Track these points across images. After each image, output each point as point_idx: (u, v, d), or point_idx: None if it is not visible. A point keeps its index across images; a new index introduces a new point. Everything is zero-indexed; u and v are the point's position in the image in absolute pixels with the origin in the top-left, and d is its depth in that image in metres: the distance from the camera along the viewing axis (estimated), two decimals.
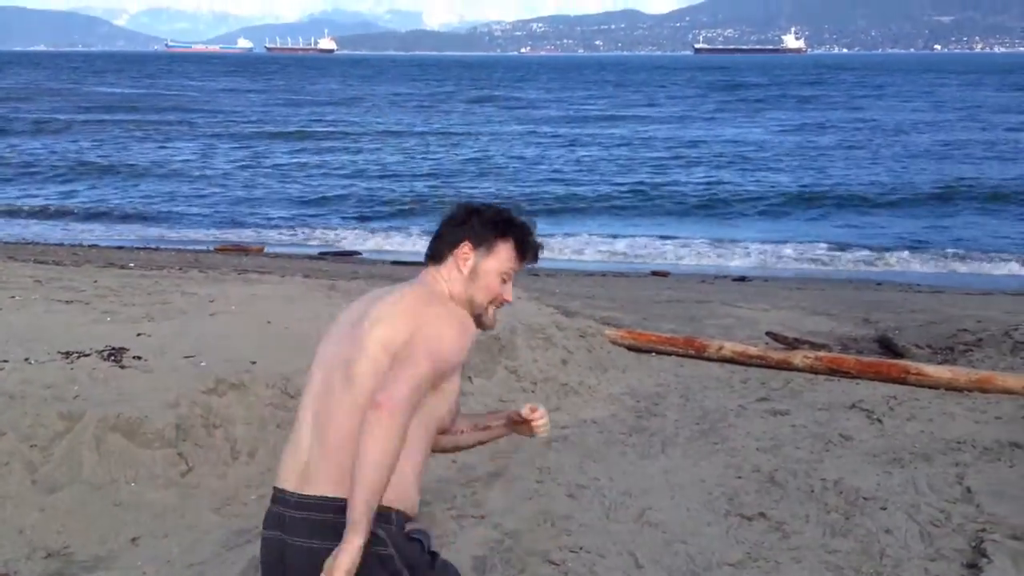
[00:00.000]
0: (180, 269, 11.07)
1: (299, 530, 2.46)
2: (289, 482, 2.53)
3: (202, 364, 5.48)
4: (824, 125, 41.37)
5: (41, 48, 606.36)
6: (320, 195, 23.83)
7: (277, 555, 2.51)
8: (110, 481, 4.40)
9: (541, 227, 2.97)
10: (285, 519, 2.49)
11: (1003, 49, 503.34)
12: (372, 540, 2.34)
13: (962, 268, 15.82)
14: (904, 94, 64.65)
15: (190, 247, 16.78)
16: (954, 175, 25.32)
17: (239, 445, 4.86)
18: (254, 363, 5.53)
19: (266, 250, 16.59)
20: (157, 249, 15.91)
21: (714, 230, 19.37)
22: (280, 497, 2.53)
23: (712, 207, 22.19)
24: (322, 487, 2.46)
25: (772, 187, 24.41)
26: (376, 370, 2.49)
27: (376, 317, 2.58)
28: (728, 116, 48.93)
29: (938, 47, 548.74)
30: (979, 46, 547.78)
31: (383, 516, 2.42)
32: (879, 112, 48.43)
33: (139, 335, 6.18)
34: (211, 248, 16.48)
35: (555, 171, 28.17)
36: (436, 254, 2.75)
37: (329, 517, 2.42)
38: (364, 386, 2.49)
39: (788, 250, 17.02)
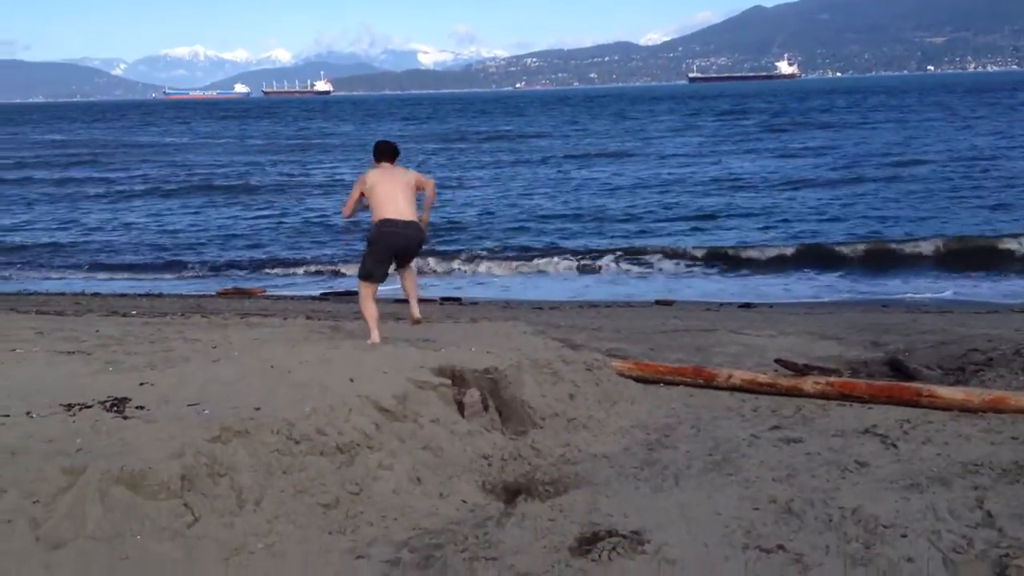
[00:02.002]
0: (183, 315, 11.03)
1: (406, 230, 8.16)
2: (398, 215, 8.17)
3: (206, 412, 5.40)
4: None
5: (40, 99, 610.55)
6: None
7: (398, 236, 8.16)
8: (115, 535, 4.31)
9: None
10: (391, 226, 8.12)
11: (996, 68, 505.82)
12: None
13: None
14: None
15: (192, 292, 16.76)
16: None
17: (245, 493, 4.77)
18: (258, 409, 5.45)
19: (267, 292, 16.57)
20: (160, 296, 15.88)
21: None
22: (388, 219, 8.12)
23: None
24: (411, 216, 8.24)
25: None
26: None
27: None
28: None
29: (931, 68, 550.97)
30: (972, 66, 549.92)
31: None
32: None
33: (142, 384, 6.11)
34: (213, 292, 16.45)
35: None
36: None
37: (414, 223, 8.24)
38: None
39: None
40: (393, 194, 8.12)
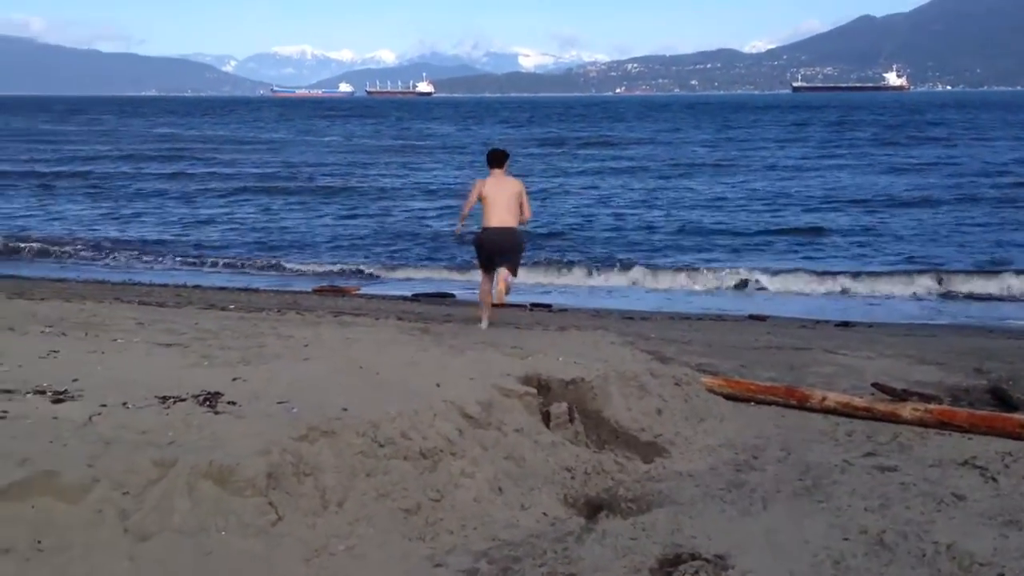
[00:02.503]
0: (278, 311, 11.22)
1: (505, 235, 9.88)
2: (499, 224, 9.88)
3: (294, 410, 5.47)
4: None
5: (153, 93, 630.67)
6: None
7: (496, 242, 9.86)
8: (200, 529, 4.38)
9: None
10: (494, 233, 9.86)
11: None
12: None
13: None
14: None
15: (289, 288, 17.08)
16: None
17: (328, 494, 4.81)
18: (345, 410, 5.50)
19: (361, 290, 16.77)
20: (257, 291, 16.20)
21: None
22: (492, 227, 9.86)
23: None
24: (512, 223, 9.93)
25: None
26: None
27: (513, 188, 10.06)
28: None
29: None
30: None
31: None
32: None
33: (234, 379, 6.23)
34: (309, 289, 16.73)
35: None
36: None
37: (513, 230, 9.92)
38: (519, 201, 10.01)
39: None
40: (497, 204, 9.94)
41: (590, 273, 19.22)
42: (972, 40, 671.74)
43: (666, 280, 18.58)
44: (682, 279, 18.53)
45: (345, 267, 20.31)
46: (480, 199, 9.98)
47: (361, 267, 20.33)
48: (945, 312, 15.68)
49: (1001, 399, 8.00)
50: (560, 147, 59.90)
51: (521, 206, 10.00)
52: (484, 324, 10.01)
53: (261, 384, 6.13)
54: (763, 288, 17.72)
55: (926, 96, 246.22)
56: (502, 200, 9.90)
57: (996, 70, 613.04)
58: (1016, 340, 11.87)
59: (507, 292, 9.98)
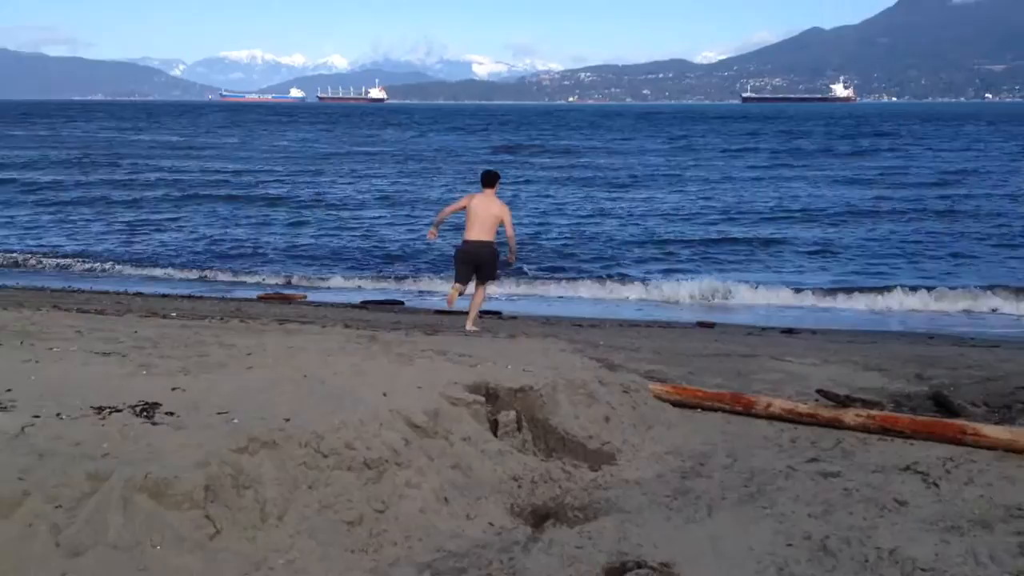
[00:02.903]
0: (221, 319, 11.05)
1: (481, 248, 11.27)
2: (475, 238, 11.30)
3: (235, 421, 5.37)
4: None
5: (99, 97, 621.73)
6: None
7: (473, 254, 11.27)
8: (135, 544, 4.27)
9: None
10: (472, 245, 11.27)
11: None
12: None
13: None
14: None
15: (233, 295, 16.86)
16: None
17: (269, 507, 4.72)
18: (288, 420, 5.41)
19: (308, 298, 16.61)
20: (200, 298, 15.97)
21: None
22: (470, 240, 11.28)
23: None
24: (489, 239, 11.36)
25: None
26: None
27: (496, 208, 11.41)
28: None
29: (989, 96, 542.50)
30: None
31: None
32: None
33: (174, 389, 6.10)
34: (254, 296, 16.52)
35: None
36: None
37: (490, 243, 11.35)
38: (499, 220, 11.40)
39: None
40: (478, 220, 11.37)
41: (542, 281, 19.18)
42: (917, 53, 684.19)
43: (620, 290, 18.56)
44: (636, 289, 18.53)
45: (292, 274, 20.11)
46: (465, 211, 11.45)
47: (308, 274, 20.13)
48: (888, 319, 15.89)
49: (942, 405, 8.10)
50: (514, 154, 60.02)
51: (506, 225, 11.38)
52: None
53: (201, 394, 6.01)
54: (720, 300, 17.75)
55: (873, 107, 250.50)
56: (484, 218, 11.32)
57: (940, 82, 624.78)
58: (957, 347, 12.05)
59: (481, 303, 11.80)
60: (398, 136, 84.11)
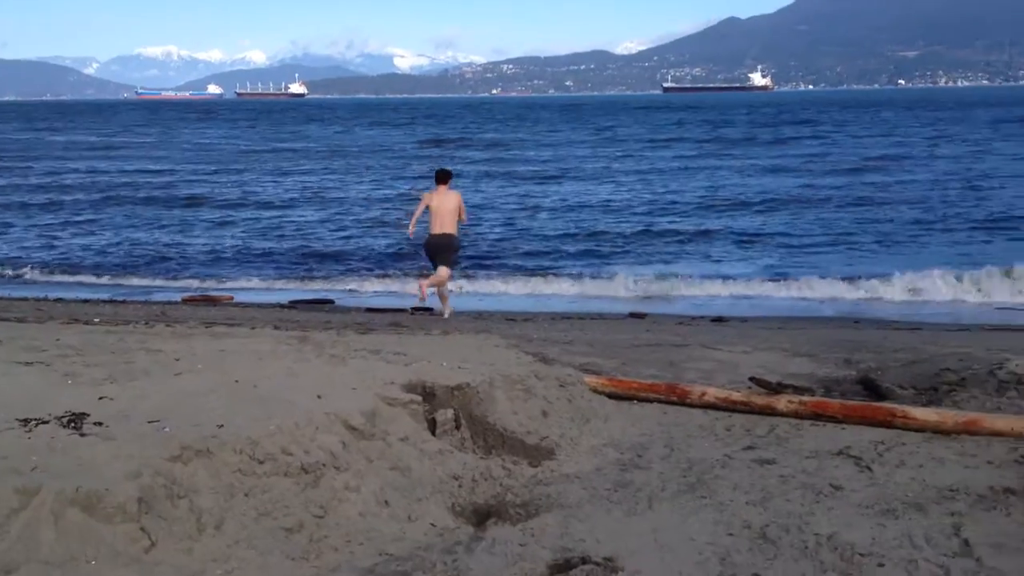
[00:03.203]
0: (146, 323, 10.78)
1: (444, 239, 12.88)
2: (440, 231, 12.86)
3: (166, 429, 5.23)
4: None
5: (11, 98, 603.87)
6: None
7: (437, 245, 12.92)
8: (69, 560, 4.13)
9: None
10: (436, 238, 12.89)
11: (966, 83, 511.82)
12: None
13: None
14: None
15: (157, 298, 16.50)
16: None
17: (205, 517, 4.61)
18: (221, 427, 5.29)
19: (235, 299, 16.33)
20: (124, 302, 15.60)
21: None
22: (434, 234, 12.89)
23: None
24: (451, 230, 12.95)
25: None
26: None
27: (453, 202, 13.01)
28: None
29: (902, 82, 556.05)
30: (943, 80, 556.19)
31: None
32: None
33: (101, 399, 5.93)
34: (179, 299, 16.19)
35: None
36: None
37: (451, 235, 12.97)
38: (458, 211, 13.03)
39: None
40: (440, 214, 12.88)
41: (475, 276, 19.12)
42: (833, 40, 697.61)
43: (553, 283, 18.56)
44: (568, 282, 18.54)
45: (217, 275, 19.75)
46: (427, 209, 12.95)
47: (234, 275, 19.80)
48: (816, 306, 16.16)
49: (871, 388, 8.26)
50: (441, 148, 59.78)
51: (460, 212, 12.97)
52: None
53: (130, 403, 5.85)
54: (651, 290, 17.81)
55: (792, 96, 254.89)
56: (445, 212, 12.84)
57: (855, 69, 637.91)
58: (882, 330, 12.31)
59: (445, 282, 13.25)
60: (322, 132, 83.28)
